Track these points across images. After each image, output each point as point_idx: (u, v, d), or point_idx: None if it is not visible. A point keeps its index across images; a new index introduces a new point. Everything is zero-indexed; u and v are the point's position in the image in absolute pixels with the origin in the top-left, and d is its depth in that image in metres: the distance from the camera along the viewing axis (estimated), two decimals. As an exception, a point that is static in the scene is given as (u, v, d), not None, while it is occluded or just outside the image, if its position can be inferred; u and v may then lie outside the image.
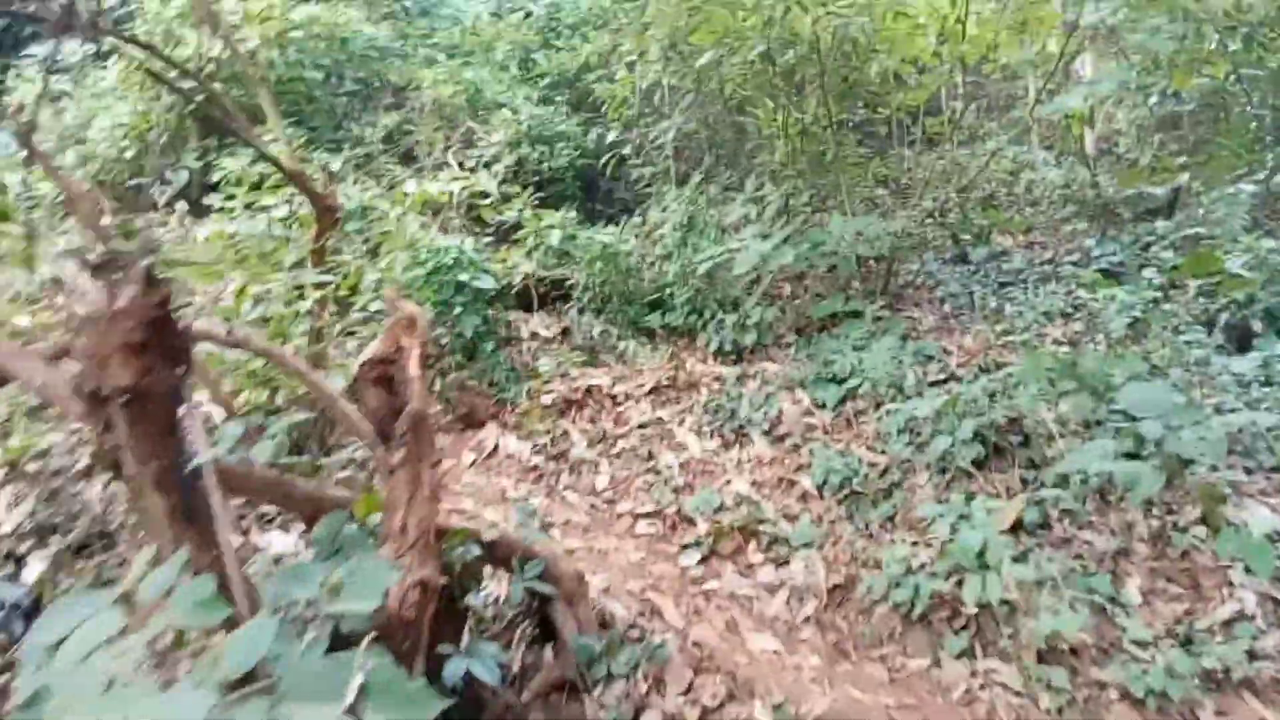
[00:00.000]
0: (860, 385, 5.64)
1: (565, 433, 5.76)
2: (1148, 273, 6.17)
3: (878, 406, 5.48)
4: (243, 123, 5.40)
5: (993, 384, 5.17)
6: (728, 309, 6.97)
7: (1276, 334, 5.76)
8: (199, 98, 7.12)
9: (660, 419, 5.85)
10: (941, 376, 5.66)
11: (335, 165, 8.26)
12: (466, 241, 6.64)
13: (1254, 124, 7.23)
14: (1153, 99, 8.24)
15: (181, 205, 7.99)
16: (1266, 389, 4.98)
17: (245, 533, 3.74)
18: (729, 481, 5.10)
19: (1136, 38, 6.06)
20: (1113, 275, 6.57)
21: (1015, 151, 10.28)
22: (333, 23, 8.80)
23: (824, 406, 5.67)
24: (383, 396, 2.85)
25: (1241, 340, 5.80)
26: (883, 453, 5.02)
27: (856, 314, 6.63)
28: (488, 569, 3.45)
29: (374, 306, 5.77)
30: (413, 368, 2.79)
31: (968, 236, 8.12)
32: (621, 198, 9.42)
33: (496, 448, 5.79)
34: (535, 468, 5.53)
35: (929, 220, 8.48)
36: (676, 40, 7.63)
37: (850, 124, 9.34)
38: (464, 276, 6.32)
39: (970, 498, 4.47)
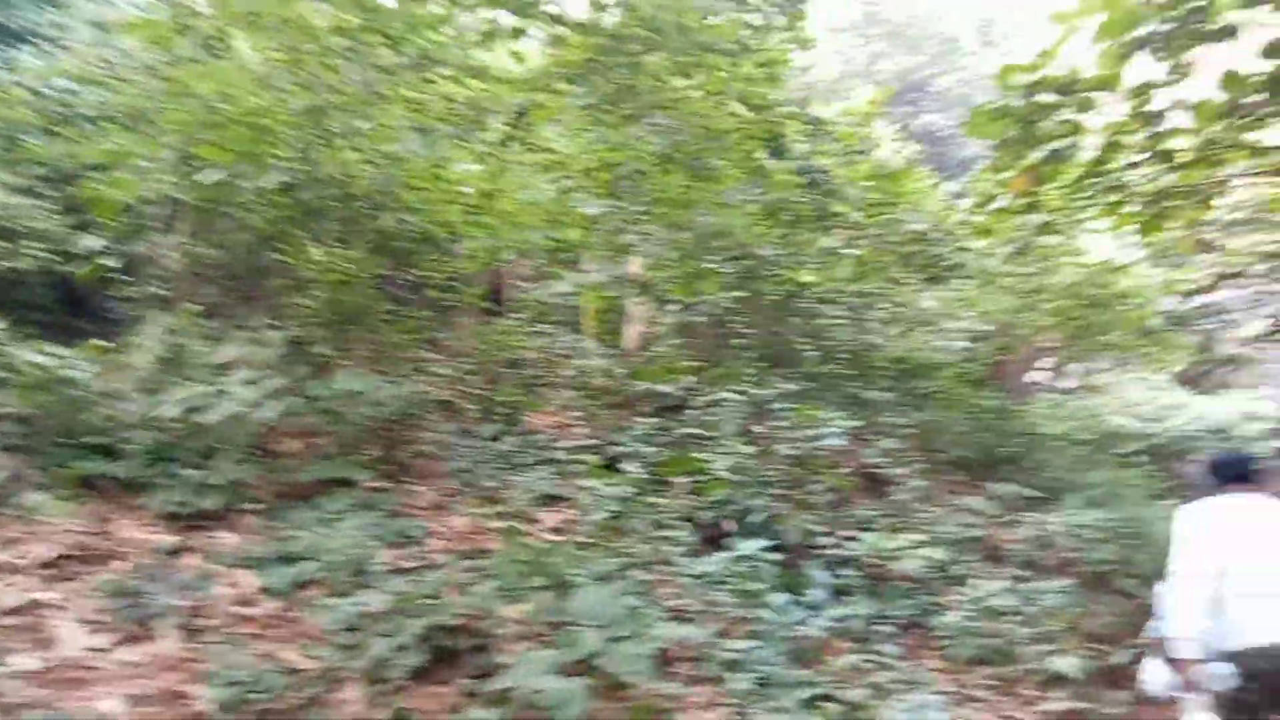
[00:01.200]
0: (318, 569, 4.77)
1: None
2: (638, 466, 6.27)
3: (336, 595, 4.64)
4: None
5: (462, 574, 4.64)
6: (198, 463, 5.77)
7: (744, 535, 6.05)
8: None
9: (41, 601, 4.39)
10: (417, 562, 5.01)
11: None
12: None
13: (744, 342, 8.10)
14: (674, 307, 8.98)
15: None
16: (722, 593, 5.06)
17: None
18: (98, 696, 3.81)
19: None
20: (613, 466, 6.61)
21: (570, 338, 10.58)
22: None
23: (272, 592, 4.69)
24: None
25: (715, 539, 6.01)
26: (314, 657, 4.13)
27: (349, 482, 5.86)
28: None
29: None
30: None
31: (498, 413, 7.87)
32: (116, 318, 7.84)
33: None
34: None
35: (461, 391, 8.17)
36: (191, 152, 6.65)
37: (406, 282, 8.95)
38: None
39: (400, 718, 3.75)
